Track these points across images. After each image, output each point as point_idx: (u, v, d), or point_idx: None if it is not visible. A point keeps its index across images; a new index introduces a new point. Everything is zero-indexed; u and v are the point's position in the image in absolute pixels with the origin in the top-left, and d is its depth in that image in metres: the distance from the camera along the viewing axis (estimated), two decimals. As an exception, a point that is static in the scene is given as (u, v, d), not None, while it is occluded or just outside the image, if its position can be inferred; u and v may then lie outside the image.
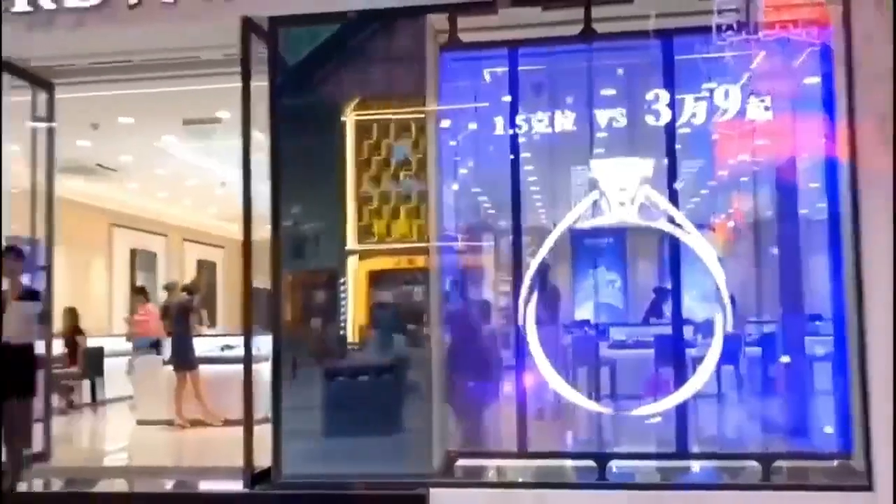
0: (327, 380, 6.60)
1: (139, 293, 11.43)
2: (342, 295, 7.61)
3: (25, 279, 6.20)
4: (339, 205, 7.25)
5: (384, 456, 5.79)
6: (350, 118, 7.37)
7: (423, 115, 6.02)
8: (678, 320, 5.68)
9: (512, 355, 5.78)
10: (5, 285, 5.86)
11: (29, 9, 5.69)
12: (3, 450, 5.71)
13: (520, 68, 5.51)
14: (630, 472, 5.39)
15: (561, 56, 5.66)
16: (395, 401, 6.38)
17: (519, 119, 5.51)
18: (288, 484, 5.37)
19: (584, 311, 12.21)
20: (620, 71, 6.02)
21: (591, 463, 5.28)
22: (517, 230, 5.56)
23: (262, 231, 5.60)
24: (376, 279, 7.66)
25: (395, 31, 6.21)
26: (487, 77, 6.05)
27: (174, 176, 12.01)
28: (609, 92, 6.09)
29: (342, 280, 7.59)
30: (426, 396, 5.73)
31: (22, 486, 5.71)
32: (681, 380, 5.34)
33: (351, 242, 7.47)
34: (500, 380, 6.37)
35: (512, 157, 5.52)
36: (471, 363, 6.26)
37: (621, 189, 5.17)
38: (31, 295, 5.97)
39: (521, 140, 5.55)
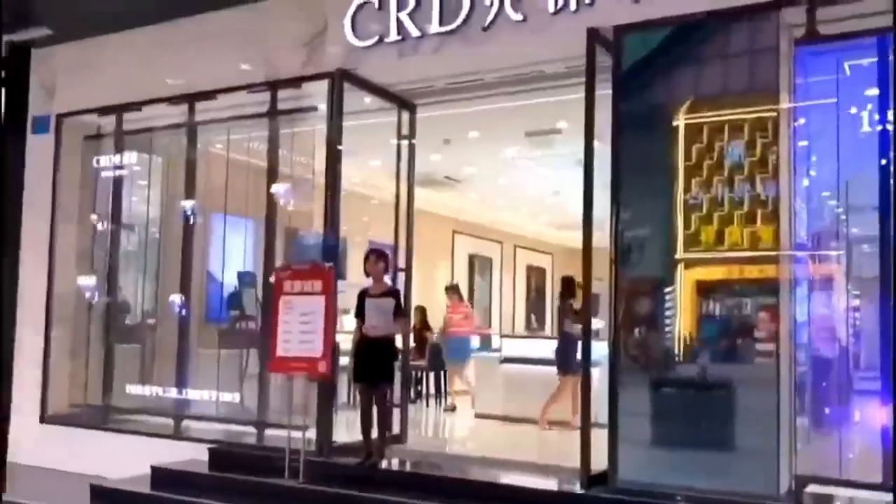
0: (655, 389, 6.49)
1: (453, 291, 11.37)
2: (668, 304, 7.43)
3: (389, 279, 6.90)
4: (668, 212, 7.09)
5: (720, 472, 5.55)
6: (681, 121, 7.18)
7: (765, 114, 5.69)
8: None
9: (873, 377, 5.22)
10: (368, 284, 6.55)
11: (398, 38, 6.41)
12: (363, 429, 6.42)
13: (892, 58, 4.96)
14: None
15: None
16: (730, 417, 6.08)
17: (886, 115, 4.95)
18: (624, 490, 5.39)
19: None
20: None
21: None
22: (885, 239, 5.01)
23: (595, 238, 5.70)
24: (706, 289, 7.34)
25: (736, 27, 5.95)
26: (848, 70, 5.53)
27: (511, 186, 12.65)
28: None
29: (669, 289, 7.41)
30: (770, 415, 5.38)
31: (383, 464, 6.41)
32: None
33: (679, 251, 7.27)
34: (858, 403, 5.76)
35: (882, 158, 4.99)
36: (824, 383, 5.75)
37: None
38: (391, 293, 6.54)
39: (889, 136, 4.99)
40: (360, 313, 6.43)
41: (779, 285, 5.64)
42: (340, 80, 6.67)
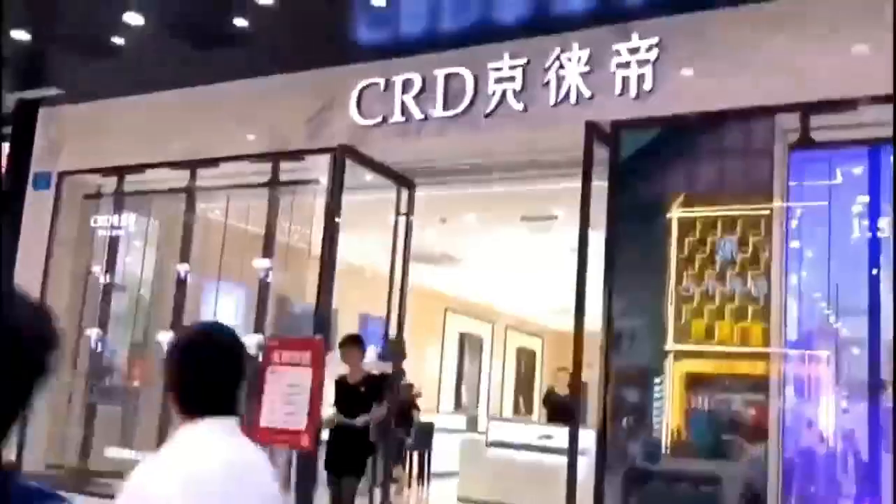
0: (641, 482, 6.40)
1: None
2: (657, 395, 7.41)
3: (372, 358, 6.78)
4: (659, 303, 7.13)
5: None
6: (675, 214, 7.29)
7: (758, 212, 5.79)
8: None
9: (857, 482, 5.19)
10: (346, 370, 6.34)
11: (402, 119, 6.56)
12: None
13: (883, 169, 5.11)
14: None
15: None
16: (718, 514, 5.99)
17: (881, 222, 5.07)
18: (606, 586, 5.26)
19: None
20: None
21: None
22: (874, 343, 5.05)
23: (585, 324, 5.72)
24: (695, 382, 7.33)
25: (730, 129, 6.11)
26: (840, 176, 5.67)
27: (505, 268, 12.73)
28: None
29: (658, 380, 7.39)
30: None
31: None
32: None
33: (669, 342, 7.28)
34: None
35: (872, 264, 5.08)
36: (810, 486, 5.69)
37: None
38: (370, 380, 6.22)
39: (880, 243, 5.10)
40: (337, 401, 6.20)
41: (768, 383, 5.63)
42: (343, 155, 6.79)
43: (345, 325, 11.40)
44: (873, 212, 5.14)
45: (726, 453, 6.67)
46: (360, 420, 6.12)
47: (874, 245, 5.13)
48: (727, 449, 6.74)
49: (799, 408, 6.42)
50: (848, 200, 5.47)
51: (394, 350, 7.17)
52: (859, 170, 5.26)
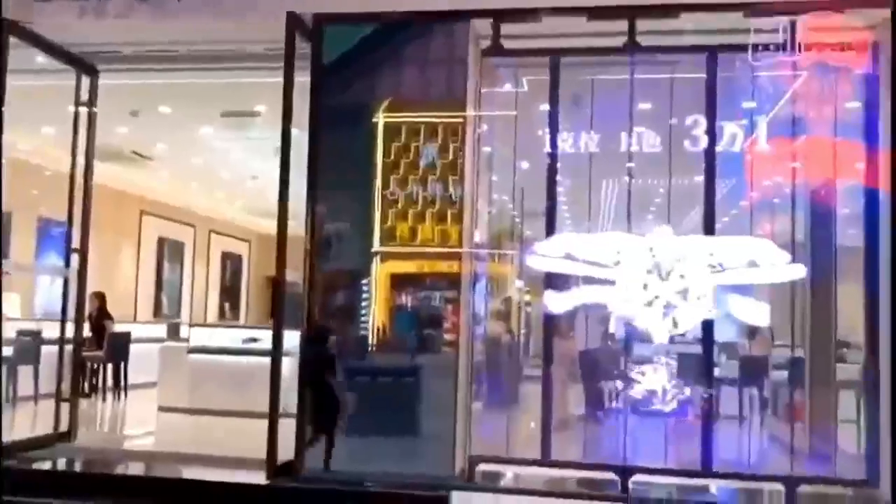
0: (347, 379, 6.62)
1: None
2: (364, 295, 7.65)
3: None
4: (366, 205, 7.28)
5: (404, 457, 5.80)
6: (380, 119, 7.40)
7: (457, 120, 6.04)
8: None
9: (536, 364, 5.79)
10: None
11: (81, -5, 5.80)
12: None
13: (561, 77, 5.53)
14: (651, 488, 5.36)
15: (604, 67, 5.67)
16: (416, 403, 6.40)
17: (556, 129, 5.51)
18: (309, 479, 5.40)
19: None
20: (662, 85, 5.99)
21: (612, 476, 5.27)
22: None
23: (293, 227, 5.63)
24: (399, 282, 7.68)
25: (432, 34, 6.24)
26: (526, 85, 6.06)
27: (207, 167, 12.11)
28: (647, 106, 6.08)
29: (365, 280, 7.62)
30: (450, 401, 5.72)
31: (46, 464, 5.78)
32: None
33: (375, 244, 7.51)
34: (524, 388, 6.33)
35: (548, 166, 5.54)
36: (496, 370, 6.26)
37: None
38: None
39: (557, 150, 5.57)
40: None
41: (464, 280, 5.99)
42: (7, 32, 5.86)
43: (22, 229, 10.23)
44: (553, 119, 5.57)
45: (426, 348, 7.13)
46: None
47: (553, 151, 5.57)
48: (426, 343, 7.20)
49: (488, 301, 6.98)
50: (533, 108, 5.87)
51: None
52: (542, 78, 5.63)
